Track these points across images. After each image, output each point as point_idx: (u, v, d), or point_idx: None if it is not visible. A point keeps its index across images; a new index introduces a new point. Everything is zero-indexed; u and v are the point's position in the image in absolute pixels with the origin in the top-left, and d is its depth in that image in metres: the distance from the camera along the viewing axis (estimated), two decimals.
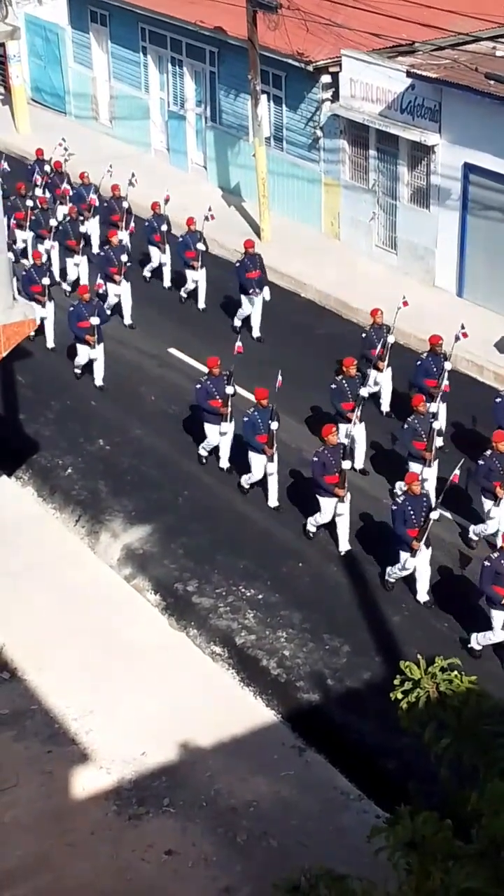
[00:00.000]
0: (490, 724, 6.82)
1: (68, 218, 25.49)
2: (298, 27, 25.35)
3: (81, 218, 25.85)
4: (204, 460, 19.30)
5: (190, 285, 24.39)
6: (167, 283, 25.29)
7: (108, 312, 22.87)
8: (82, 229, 25.58)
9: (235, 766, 13.59)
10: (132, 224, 25.34)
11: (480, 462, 17.18)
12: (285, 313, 22.80)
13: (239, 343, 19.43)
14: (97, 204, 26.47)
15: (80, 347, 21.51)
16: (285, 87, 27.43)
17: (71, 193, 27.23)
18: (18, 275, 21.76)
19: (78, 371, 21.90)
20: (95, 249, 26.12)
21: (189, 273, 24.21)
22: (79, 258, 24.97)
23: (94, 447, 20.11)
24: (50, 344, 23.04)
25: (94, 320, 21.14)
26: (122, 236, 25.02)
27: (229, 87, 29.24)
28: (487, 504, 17.14)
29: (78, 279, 24.85)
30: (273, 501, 18.21)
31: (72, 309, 21.37)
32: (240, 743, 13.98)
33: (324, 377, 19.98)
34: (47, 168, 28.66)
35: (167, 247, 24.86)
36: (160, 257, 25.05)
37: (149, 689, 14.70)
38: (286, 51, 25.93)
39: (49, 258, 23.96)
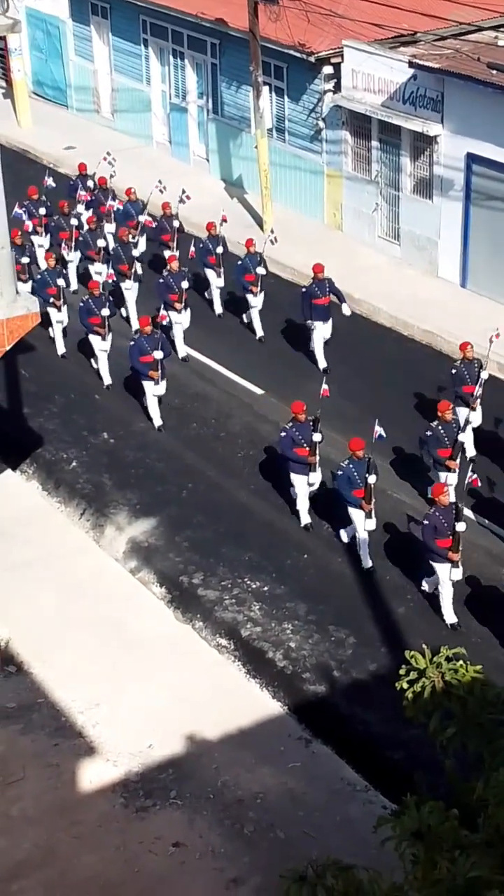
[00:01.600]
0: (495, 714, 6.84)
1: (119, 242, 23.80)
2: (300, 18, 25.31)
3: (133, 240, 24.22)
4: (310, 526, 17.57)
5: (251, 312, 22.93)
6: (218, 309, 23.84)
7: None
8: (135, 252, 23.84)
9: (242, 758, 13.60)
10: (192, 248, 23.65)
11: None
12: (287, 306, 22.75)
13: (325, 386, 17.95)
14: (153, 225, 24.82)
15: (145, 383, 20.04)
16: (287, 79, 27.39)
17: (114, 210, 25.80)
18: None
19: (159, 425, 20.32)
20: (138, 269, 24.39)
21: (248, 298, 22.68)
22: (130, 283, 23.30)
23: (99, 440, 20.11)
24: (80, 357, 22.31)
25: (158, 354, 19.59)
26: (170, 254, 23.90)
27: (231, 78, 29.20)
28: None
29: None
30: (367, 563, 16.68)
31: (132, 343, 19.82)
32: (246, 735, 13.99)
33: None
34: (90, 184, 27.12)
35: (222, 269, 23.33)
36: (215, 281, 23.59)
37: (155, 682, 14.71)
38: (288, 42, 25.88)
39: (107, 290, 21.88)
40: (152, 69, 32.19)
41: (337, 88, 26.07)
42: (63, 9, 35.13)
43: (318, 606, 16.08)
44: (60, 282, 22.06)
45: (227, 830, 12.67)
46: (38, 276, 22.29)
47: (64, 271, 23.01)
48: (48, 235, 25.11)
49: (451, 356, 21.70)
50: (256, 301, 22.49)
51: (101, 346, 21.26)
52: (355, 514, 16.46)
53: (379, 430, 16.64)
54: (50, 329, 22.34)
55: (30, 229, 24.80)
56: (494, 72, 22.28)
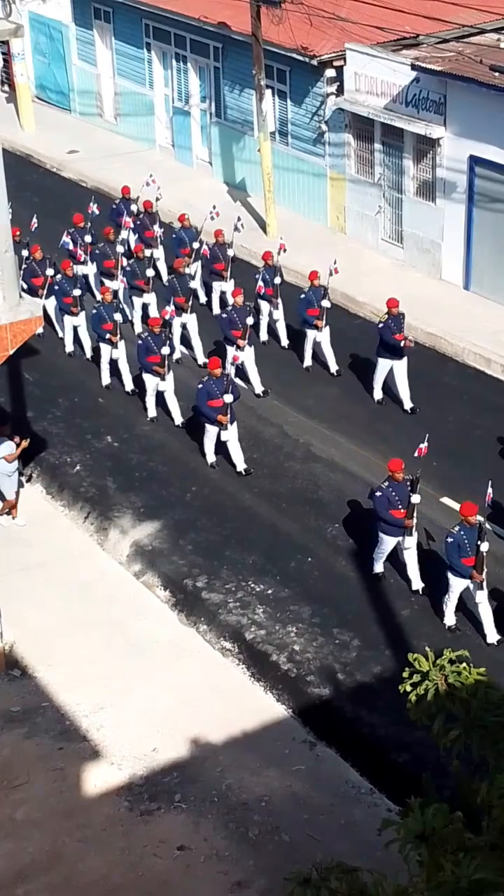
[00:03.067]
0: (499, 716, 6.82)
1: (174, 272, 22.47)
2: (302, 21, 25.35)
3: (189, 271, 22.91)
4: (420, 588, 16.31)
5: (308, 348, 21.71)
6: (284, 341, 22.53)
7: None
8: (192, 284, 22.60)
9: (246, 761, 13.60)
10: (259, 283, 21.97)
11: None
12: (291, 310, 22.74)
13: (424, 444, 16.43)
14: (209, 255, 23.38)
15: (209, 427, 18.88)
16: (290, 82, 27.42)
17: (159, 235, 24.65)
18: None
19: (213, 463, 19.25)
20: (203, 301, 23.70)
21: (311, 334, 21.46)
22: (187, 317, 21.96)
23: (102, 444, 20.12)
24: (128, 386, 21.44)
25: (228, 398, 18.29)
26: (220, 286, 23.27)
27: (234, 82, 29.23)
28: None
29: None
30: (450, 620, 15.63)
31: (201, 386, 18.54)
32: (250, 738, 13.98)
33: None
34: (135, 208, 25.69)
35: (280, 301, 22.17)
36: (273, 313, 22.34)
37: (159, 685, 14.71)
38: (290, 45, 25.91)
39: (169, 325, 20.89)
40: (155, 73, 32.23)
41: (340, 91, 26.09)
42: (66, 13, 35.21)
43: (323, 609, 16.08)
44: (117, 316, 21.00)
45: (232, 833, 12.66)
46: (94, 311, 21.29)
47: (121, 305, 21.98)
48: (93, 264, 24.09)
49: (455, 358, 21.74)
50: (322, 336, 21.27)
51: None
52: (458, 582, 15.17)
53: (490, 492, 15.57)
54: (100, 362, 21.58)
55: (82, 259, 23.85)
56: (497, 74, 22.29)
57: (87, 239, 24.28)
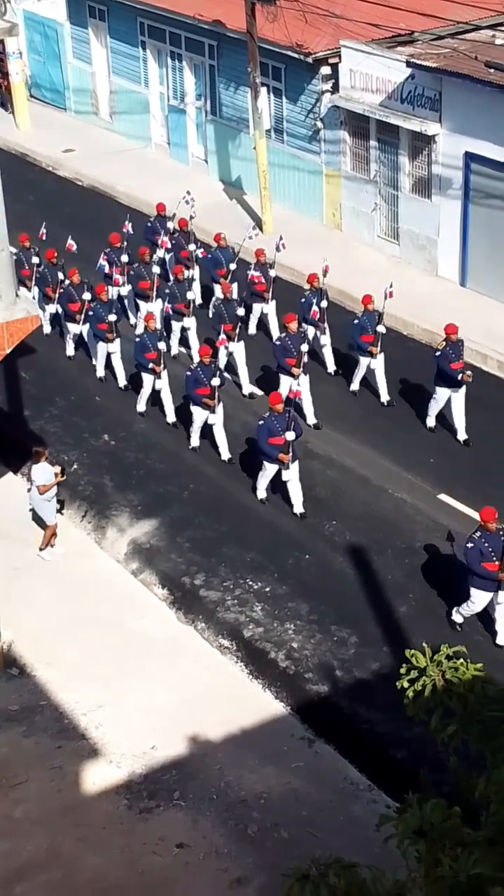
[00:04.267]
0: (496, 711, 6.84)
1: (223, 299, 21.44)
2: (297, 19, 25.34)
3: (236, 299, 21.85)
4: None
5: (359, 373, 20.61)
6: (331, 367, 21.46)
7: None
8: (240, 311, 21.14)
9: (245, 759, 13.61)
10: (314, 308, 20.69)
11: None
12: (288, 307, 22.73)
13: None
14: (258, 278, 22.21)
15: (267, 466, 17.81)
16: (285, 79, 27.41)
17: (194, 255, 23.64)
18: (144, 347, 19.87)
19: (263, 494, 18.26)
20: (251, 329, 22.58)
21: (364, 361, 20.29)
22: (234, 345, 20.75)
23: (100, 442, 20.12)
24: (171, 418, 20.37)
25: (290, 436, 17.24)
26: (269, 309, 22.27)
27: (229, 79, 29.22)
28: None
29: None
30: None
31: (261, 423, 17.42)
32: (249, 735, 13.99)
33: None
34: (171, 225, 24.65)
35: (326, 325, 21.06)
36: (320, 338, 21.19)
37: (158, 683, 14.72)
38: (285, 42, 25.91)
39: (216, 356, 19.48)
40: (150, 71, 32.22)
41: (335, 88, 26.09)
42: (61, 12, 35.19)
43: (320, 606, 16.09)
44: (161, 346, 19.94)
45: (231, 831, 12.67)
46: (137, 339, 20.23)
47: (164, 333, 20.96)
48: (128, 285, 23.12)
49: None
50: (377, 363, 20.24)
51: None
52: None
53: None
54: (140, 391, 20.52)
55: (120, 283, 22.87)
56: (492, 70, 22.29)
57: (124, 259, 23.26)
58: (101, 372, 21.60)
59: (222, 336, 20.10)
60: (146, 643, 15.47)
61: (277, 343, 19.83)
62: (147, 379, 20.13)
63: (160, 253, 23.74)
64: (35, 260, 23.28)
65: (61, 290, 22.24)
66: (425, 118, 23.90)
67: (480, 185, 23.49)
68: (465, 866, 6.30)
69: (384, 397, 20.44)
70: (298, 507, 17.81)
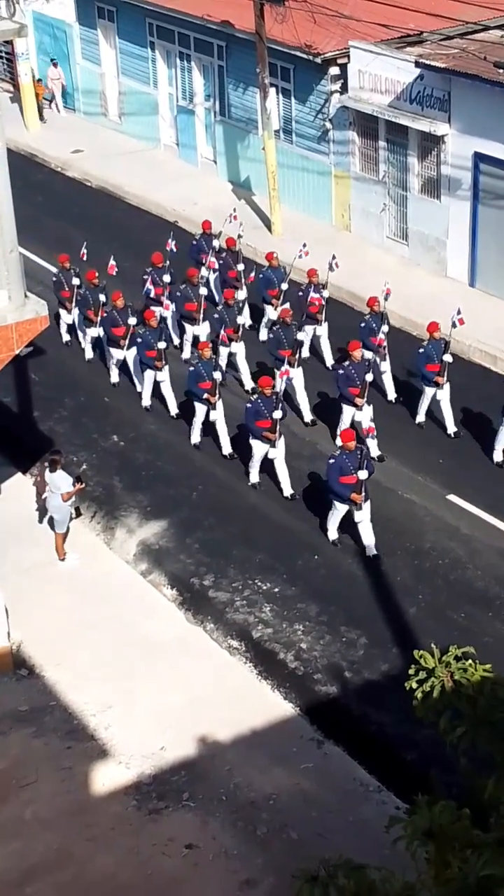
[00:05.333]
0: None
1: (280, 322, 20.19)
2: (306, 19, 25.34)
3: (295, 323, 20.34)
4: None
5: (424, 404, 19.54)
6: (391, 394, 20.44)
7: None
8: (299, 336, 20.09)
9: (254, 760, 13.61)
10: (381, 335, 19.79)
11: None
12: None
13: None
14: (317, 300, 21.19)
15: (338, 506, 16.83)
16: (294, 80, 27.41)
17: (238, 273, 22.58)
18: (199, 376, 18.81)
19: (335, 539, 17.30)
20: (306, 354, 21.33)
21: (429, 391, 19.26)
22: (293, 371, 19.58)
23: (109, 443, 20.14)
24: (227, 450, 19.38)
25: (363, 474, 16.32)
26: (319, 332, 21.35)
27: (238, 80, 29.23)
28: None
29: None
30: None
31: (332, 461, 16.53)
32: (258, 736, 13.99)
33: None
34: (217, 244, 23.68)
35: (387, 352, 20.06)
36: (380, 364, 19.95)
37: (167, 684, 14.73)
38: (294, 43, 25.91)
39: (279, 391, 18.16)
40: (159, 72, 32.24)
41: (344, 89, 26.09)
42: (69, 13, 35.25)
43: (330, 607, 16.08)
44: (217, 375, 18.88)
45: (240, 832, 12.67)
46: (191, 368, 19.23)
47: (220, 362, 19.90)
48: (172, 305, 21.99)
49: (460, 355, 21.70)
50: (443, 394, 19.18)
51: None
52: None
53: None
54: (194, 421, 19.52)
55: (170, 311, 21.90)
56: (501, 71, 22.27)
57: (167, 279, 22.20)
58: (147, 402, 20.68)
59: (286, 367, 19.03)
60: (155, 644, 15.47)
61: (340, 372, 18.70)
62: (200, 409, 19.15)
63: (204, 272, 22.97)
64: (75, 281, 22.28)
65: (104, 314, 21.35)
66: (434, 119, 23.89)
67: (489, 186, 23.47)
68: (474, 868, 6.29)
69: (451, 428, 19.41)
70: (371, 550, 16.82)
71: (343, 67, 25.94)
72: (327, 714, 14.42)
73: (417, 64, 23.81)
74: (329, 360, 21.51)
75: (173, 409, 20.57)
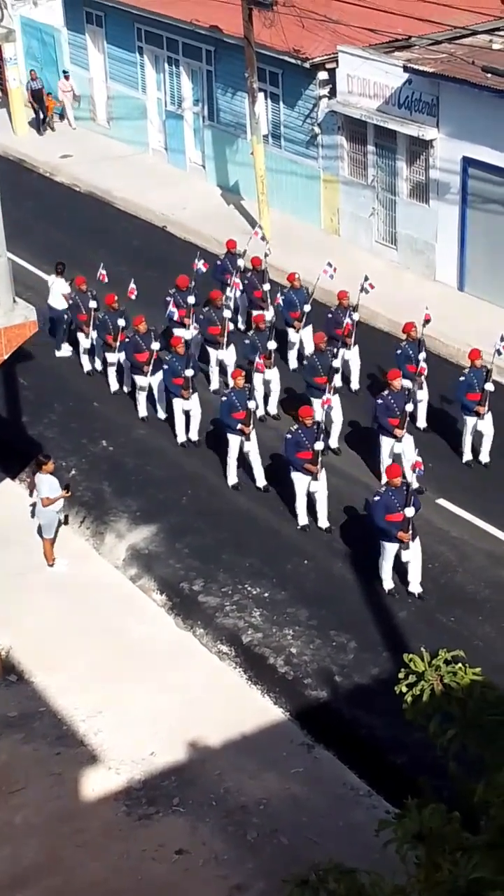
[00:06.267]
0: (495, 715, 6.83)
1: (315, 350, 19.29)
2: (294, 24, 25.37)
3: (330, 349, 19.30)
4: None
5: (467, 437, 18.66)
6: (422, 423, 19.55)
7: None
8: (335, 363, 19.12)
9: (244, 765, 13.59)
10: (422, 363, 18.96)
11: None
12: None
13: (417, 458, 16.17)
14: (352, 323, 20.38)
15: (388, 546, 16.00)
16: (282, 85, 27.44)
17: (264, 294, 21.86)
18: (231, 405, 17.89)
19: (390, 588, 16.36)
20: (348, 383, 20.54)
21: (470, 421, 18.35)
22: (329, 396, 18.61)
23: (98, 448, 20.12)
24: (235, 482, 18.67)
25: (410, 512, 15.57)
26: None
27: (226, 85, 29.25)
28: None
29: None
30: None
31: (377, 499, 15.73)
32: (248, 741, 13.98)
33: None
34: (241, 263, 22.85)
35: (424, 380, 19.16)
36: (416, 392, 19.09)
37: (156, 689, 14.70)
38: (282, 48, 25.93)
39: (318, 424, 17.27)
40: (148, 77, 32.25)
41: (332, 94, 26.11)
42: (58, 18, 35.26)
43: (319, 612, 16.07)
44: (251, 404, 18.12)
45: (231, 837, 12.65)
46: (223, 398, 18.26)
47: (254, 391, 19.16)
48: (195, 328, 21.23)
49: (449, 359, 21.77)
50: (485, 426, 18.44)
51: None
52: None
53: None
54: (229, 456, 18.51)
55: (192, 333, 21.02)
56: (489, 75, 22.30)
57: (191, 300, 21.39)
58: (182, 438, 19.69)
59: (327, 396, 18.30)
60: (145, 649, 15.45)
61: (379, 402, 17.81)
62: (234, 441, 18.19)
63: (228, 292, 22.15)
64: (93, 304, 21.57)
65: (125, 339, 20.50)
66: (423, 123, 23.92)
67: (478, 190, 23.50)
68: (464, 871, 6.29)
69: (484, 458, 18.64)
70: (417, 588, 16.06)
71: (331, 72, 25.98)
72: (317, 718, 14.41)
73: (406, 68, 23.84)
74: (355, 385, 20.79)
75: (194, 435, 19.74)
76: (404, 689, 7.03)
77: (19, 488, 19.11)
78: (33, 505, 17.56)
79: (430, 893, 6.50)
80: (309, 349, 20.22)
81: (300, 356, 21.26)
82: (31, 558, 17.20)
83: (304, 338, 21.21)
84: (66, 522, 17.84)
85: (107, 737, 14.01)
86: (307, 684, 14.88)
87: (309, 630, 15.74)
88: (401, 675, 7.10)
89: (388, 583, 16.19)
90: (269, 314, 21.60)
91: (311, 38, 25.77)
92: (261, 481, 18.51)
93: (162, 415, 20.45)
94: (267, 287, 22.03)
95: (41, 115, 34.85)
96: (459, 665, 7.05)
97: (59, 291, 22.89)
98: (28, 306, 15.36)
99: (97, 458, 19.85)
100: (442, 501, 18.03)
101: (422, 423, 19.55)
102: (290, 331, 21.40)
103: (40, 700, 14.65)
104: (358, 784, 13.37)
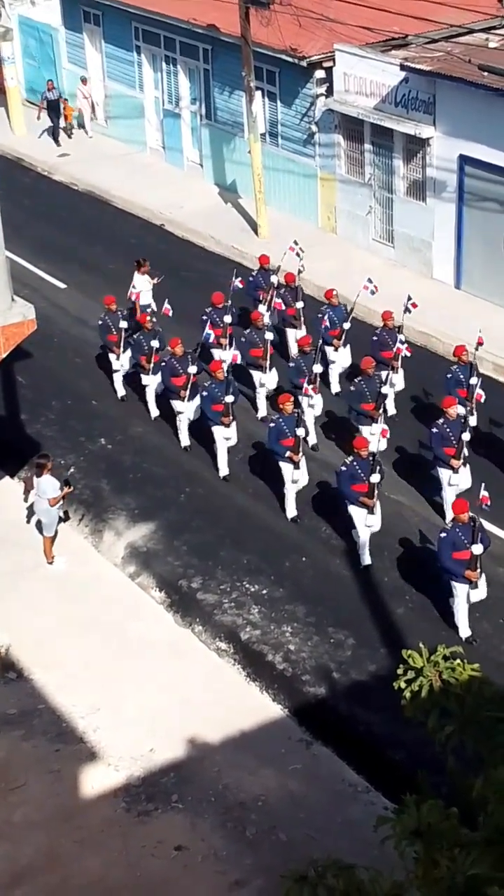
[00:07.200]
0: (493, 711, 6.86)
1: (363, 374, 18.37)
2: (291, 23, 25.39)
3: (379, 374, 18.59)
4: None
5: None
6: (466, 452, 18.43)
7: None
8: (385, 390, 18.46)
9: (243, 761, 13.63)
10: (478, 390, 18.09)
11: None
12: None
13: (484, 493, 15.58)
14: (402, 345, 19.32)
15: (458, 589, 15.22)
16: (279, 83, 27.45)
17: (297, 311, 21.09)
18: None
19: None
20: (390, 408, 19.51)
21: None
22: (377, 427, 17.94)
23: (96, 446, 20.14)
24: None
25: (477, 549, 14.75)
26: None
27: (223, 83, 29.26)
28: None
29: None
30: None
31: (444, 535, 14.97)
32: (247, 738, 14.02)
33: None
34: (275, 279, 21.94)
35: (473, 405, 18.17)
36: (471, 420, 17.90)
37: (155, 686, 14.74)
38: (279, 46, 25.95)
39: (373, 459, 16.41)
40: (145, 75, 32.26)
41: (329, 92, 26.13)
42: (55, 16, 35.23)
43: (317, 608, 16.11)
44: (300, 431, 17.30)
45: (229, 833, 12.69)
46: (272, 424, 17.54)
47: (304, 417, 18.02)
48: (232, 348, 20.33)
49: (446, 357, 21.74)
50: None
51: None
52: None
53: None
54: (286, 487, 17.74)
55: (230, 354, 20.02)
56: (486, 73, 22.34)
57: (227, 319, 20.64)
58: (224, 471, 18.87)
59: (384, 426, 17.55)
60: (143, 646, 15.48)
61: (434, 431, 16.96)
62: (287, 470, 17.39)
63: (261, 308, 21.28)
64: (123, 325, 20.59)
65: (160, 362, 19.67)
66: (419, 121, 23.95)
67: (474, 188, 23.53)
68: (462, 867, 6.33)
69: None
70: (466, 632, 15.29)
71: (328, 70, 25.99)
72: (315, 715, 14.45)
73: (402, 67, 23.87)
74: (392, 410, 19.73)
75: (223, 471, 18.92)
76: (402, 686, 7.06)
77: (18, 486, 19.14)
78: (30, 506, 17.60)
79: (428, 889, 6.54)
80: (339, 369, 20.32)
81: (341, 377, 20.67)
82: (29, 556, 17.23)
83: (341, 358, 20.62)
84: (66, 519, 17.88)
85: (105, 734, 14.05)
86: (305, 681, 14.92)
87: (307, 627, 15.79)
88: (399, 672, 7.13)
89: (464, 631, 15.25)
90: (302, 332, 20.74)
91: (307, 36, 25.79)
92: (291, 512, 17.79)
93: (185, 441, 19.59)
94: (300, 305, 21.30)
95: (58, 125, 33.85)
96: (458, 661, 7.08)
97: (143, 288, 22.51)
98: (26, 305, 15.41)
99: (96, 456, 19.88)
100: (440, 499, 18.04)
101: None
102: (329, 349, 20.40)
103: (39, 697, 14.68)
104: (356, 780, 13.42)
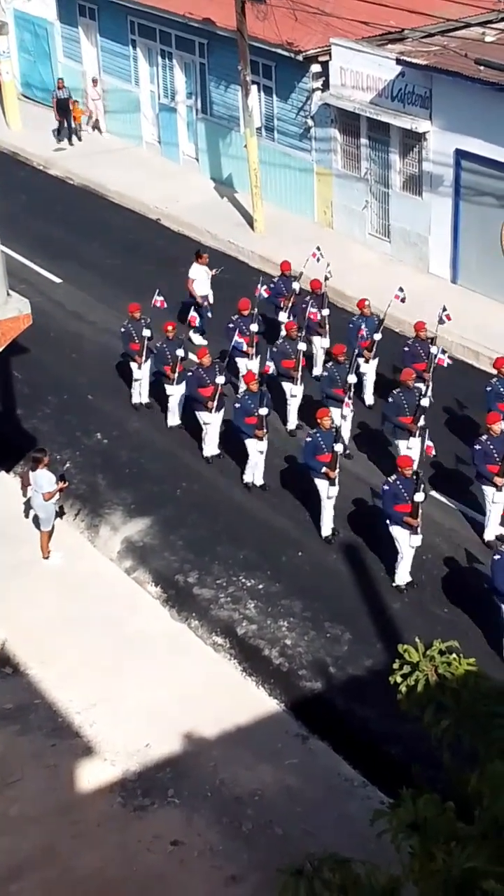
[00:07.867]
0: (489, 705, 6.86)
1: (402, 386, 17.94)
2: (287, 16, 25.36)
3: (417, 387, 18.14)
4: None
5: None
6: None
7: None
8: (424, 402, 17.87)
9: (239, 756, 13.63)
10: None
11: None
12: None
13: (430, 443, 15.93)
14: (432, 357, 18.90)
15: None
16: (275, 77, 27.43)
17: (322, 320, 20.55)
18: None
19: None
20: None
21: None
22: (414, 441, 17.69)
23: (92, 441, 20.13)
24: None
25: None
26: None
27: (219, 78, 29.23)
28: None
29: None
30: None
31: (497, 558, 14.50)
32: (243, 732, 14.01)
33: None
34: (297, 286, 21.54)
35: None
36: None
37: (151, 681, 14.73)
38: (275, 41, 25.92)
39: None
40: (141, 70, 32.22)
41: (325, 86, 26.11)
42: (51, 10, 35.21)
43: (314, 603, 16.12)
44: (338, 447, 16.92)
45: (226, 828, 12.69)
46: (308, 439, 17.07)
47: (342, 432, 17.74)
48: (258, 358, 20.02)
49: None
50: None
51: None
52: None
53: (430, 443, 16.22)
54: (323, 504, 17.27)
55: (257, 362, 19.76)
56: (482, 67, 22.31)
57: (254, 328, 20.27)
58: (249, 477, 18.49)
59: (429, 443, 16.75)
60: (140, 641, 15.48)
61: (478, 447, 16.55)
62: (322, 486, 17.00)
63: (282, 316, 21.03)
64: (146, 333, 20.04)
65: (186, 371, 19.27)
66: (416, 115, 23.93)
67: (471, 183, 23.52)
68: (458, 860, 6.33)
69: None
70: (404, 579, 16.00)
71: (324, 65, 25.97)
72: (312, 710, 14.45)
73: (399, 61, 23.85)
74: (421, 421, 18.44)
75: (259, 479, 18.52)
76: (399, 680, 7.06)
77: (13, 481, 19.12)
78: (28, 501, 17.59)
79: (424, 883, 6.55)
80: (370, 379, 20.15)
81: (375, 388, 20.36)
82: (26, 551, 17.21)
83: (369, 370, 20.23)
84: (62, 513, 17.87)
85: (102, 729, 14.05)
86: (301, 676, 14.92)
87: (303, 622, 15.79)
88: (395, 666, 7.14)
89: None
90: (326, 342, 20.48)
91: (304, 30, 25.77)
92: (327, 530, 17.37)
93: (212, 451, 19.18)
94: (326, 312, 20.69)
95: (67, 125, 33.47)
96: (454, 655, 7.08)
97: (198, 277, 22.31)
98: (22, 299, 15.39)
99: (91, 451, 19.87)
100: (435, 494, 18.06)
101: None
102: (360, 361, 19.88)
103: (35, 692, 14.68)
104: (352, 775, 13.42)
